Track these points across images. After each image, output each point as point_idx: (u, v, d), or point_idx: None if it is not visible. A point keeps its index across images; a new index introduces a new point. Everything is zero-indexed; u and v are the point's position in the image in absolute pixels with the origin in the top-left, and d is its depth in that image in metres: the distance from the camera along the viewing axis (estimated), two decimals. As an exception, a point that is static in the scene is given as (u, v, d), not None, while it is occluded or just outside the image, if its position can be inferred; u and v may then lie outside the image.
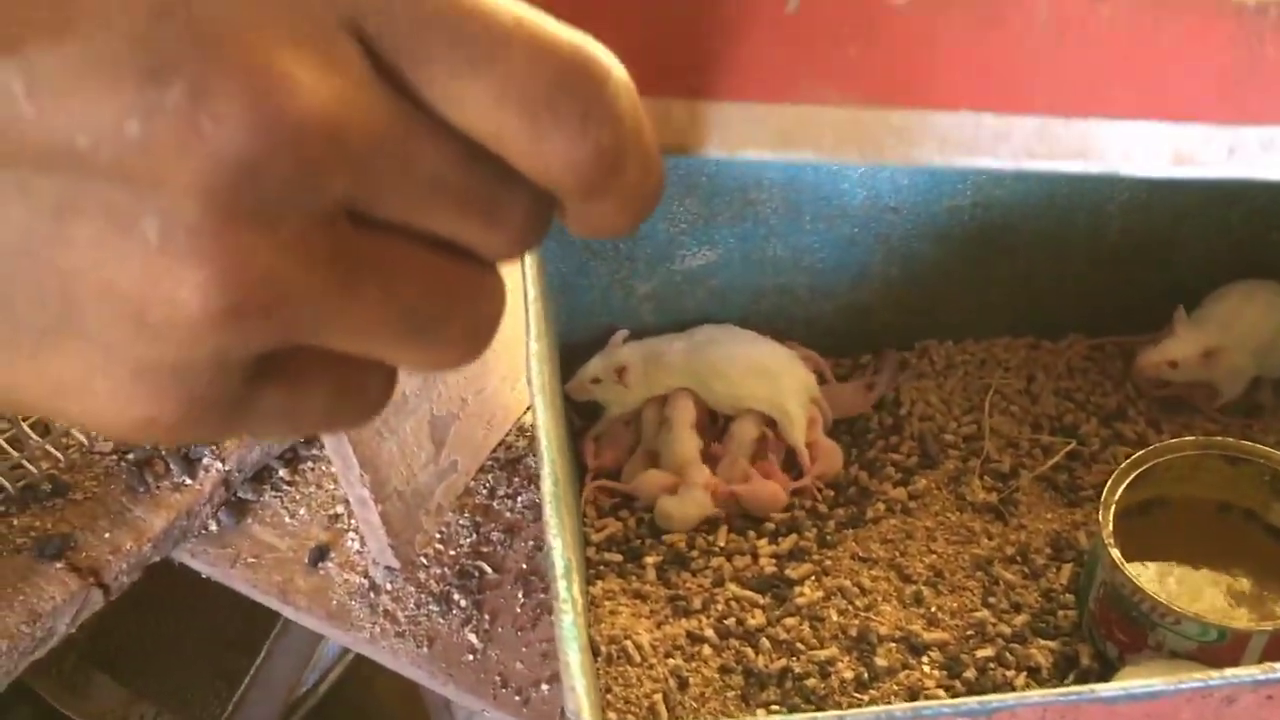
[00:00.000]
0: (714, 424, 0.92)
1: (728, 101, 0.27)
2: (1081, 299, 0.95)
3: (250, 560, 0.93)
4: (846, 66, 0.26)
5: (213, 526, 0.94)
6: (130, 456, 0.94)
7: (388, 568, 0.91)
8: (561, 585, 0.55)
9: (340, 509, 0.96)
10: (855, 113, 0.27)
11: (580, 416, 0.94)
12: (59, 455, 0.93)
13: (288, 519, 0.96)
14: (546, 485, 0.60)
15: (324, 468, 1.00)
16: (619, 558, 0.83)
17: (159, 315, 0.20)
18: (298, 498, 0.97)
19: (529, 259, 0.71)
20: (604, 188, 0.23)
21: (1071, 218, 0.90)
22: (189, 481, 0.93)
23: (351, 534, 0.94)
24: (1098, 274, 0.93)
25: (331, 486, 0.98)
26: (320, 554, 0.93)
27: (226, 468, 0.94)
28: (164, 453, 0.94)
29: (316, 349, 0.23)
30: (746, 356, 0.89)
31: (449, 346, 0.25)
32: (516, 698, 0.84)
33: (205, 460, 0.94)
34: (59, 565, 0.86)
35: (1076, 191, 0.88)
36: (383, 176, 0.22)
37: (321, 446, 1.01)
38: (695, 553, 0.83)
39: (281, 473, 0.99)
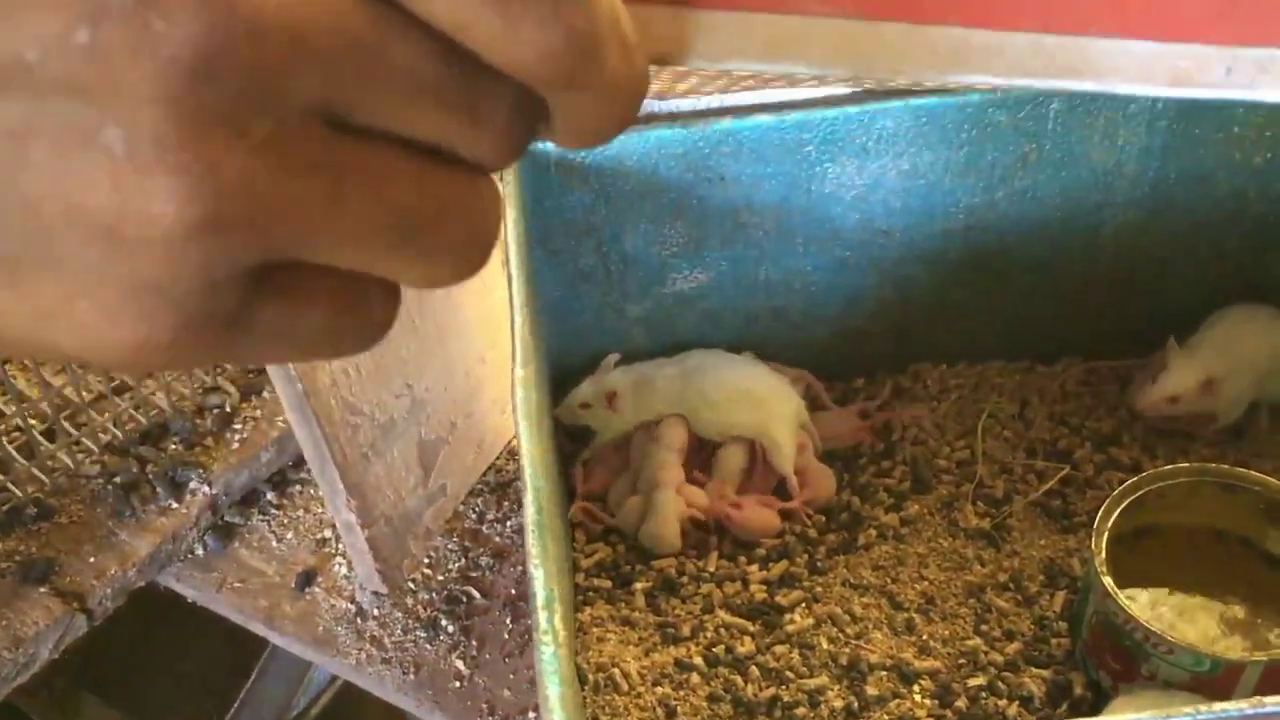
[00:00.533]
0: (702, 449, 0.91)
1: (714, 10, 0.26)
2: (1076, 322, 0.94)
3: (236, 585, 0.92)
4: (838, -23, 0.26)
5: (199, 551, 0.93)
6: (117, 479, 0.93)
7: (375, 593, 0.90)
8: (542, 616, 0.55)
9: (328, 533, 0.95)
10: (846, 24, 0.26)
11: (571, 440, 0.93)
12: (44, 479, 0.92)
13: (275, 543, 0.95)
14: (529, 513, 0.59)
15: (312, 491, 0.99)
16: (608, 583, 0.83)
17: (133, 231, 0.20)
18: (285, 521, 0.97)
19: (518, 283, 0.71)
20: (583, 78, 0.23)
21: (1066, 241, 0.89)
22: (175, 505, 0.92)
23: (339, 559, 0.93)
24: (1092, 297, 0.93)
25: (319, 510, 0.97)
26: (307, 579, 0.92)
27: (213, 491, 0.93)
28: (150, 476, 0.93)
29: (312, 265, 0.23)
30: (734, 383, 0.88)
31: (445, 255, 0.24)
32: (503, 726, 0.83)
33: (192, 484, 0.93)
34: (43, 590, 0.85)
35: (1070, 214, 0.88)
36: (355, 76, 0.21)
37: (310, 470, 1.00)
38: (685, 578, 0.82)
39: (269, 496, 0.98)
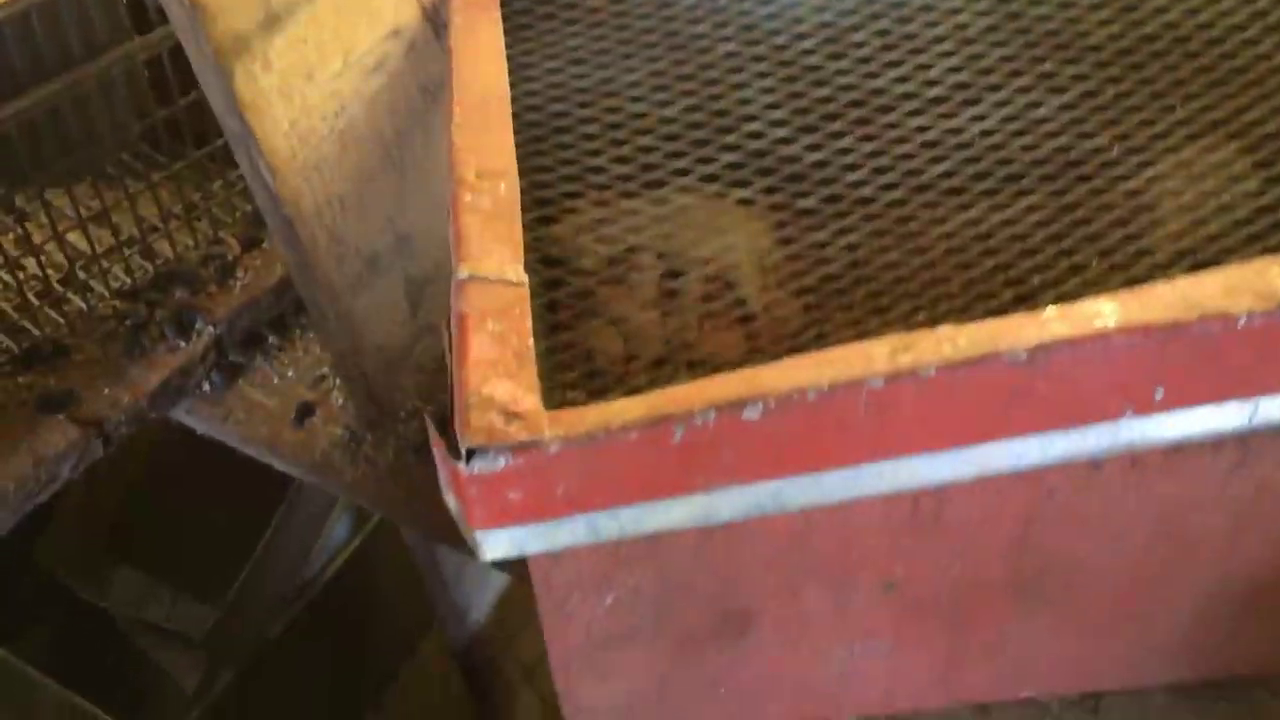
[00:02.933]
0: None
1: None
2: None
3: (241, 418, 0.99)
4: None
5: (206, 388, 1.00)
6: (128, 321, 0.99)
7: (369, 420, 0.97)
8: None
9: (326, 370, 1.02)
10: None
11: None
12: (61, 320, 0.99)
13: (276, 380, 1.02)
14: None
15: (309, 334, 1.05)
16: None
17: None
18: (286, 360, 1.03)
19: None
20: None
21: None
22: (183, 344, 0.98)
23: (336, 392, 1.00)
24: None
25: (318, 351, 1.04)
26: (306, 410, 0.98)
27: (217, 331, 1.00)
28: (159, 318, 0.99)
29: None
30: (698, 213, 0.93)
31: None
32: (487, 533, 0.90)
33: (198, 325, 0.99)
34: (61, 417, 0.92)
35: None
36: None
37: (308, 315, 1.07)
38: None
39: (271, 339, 1.04)
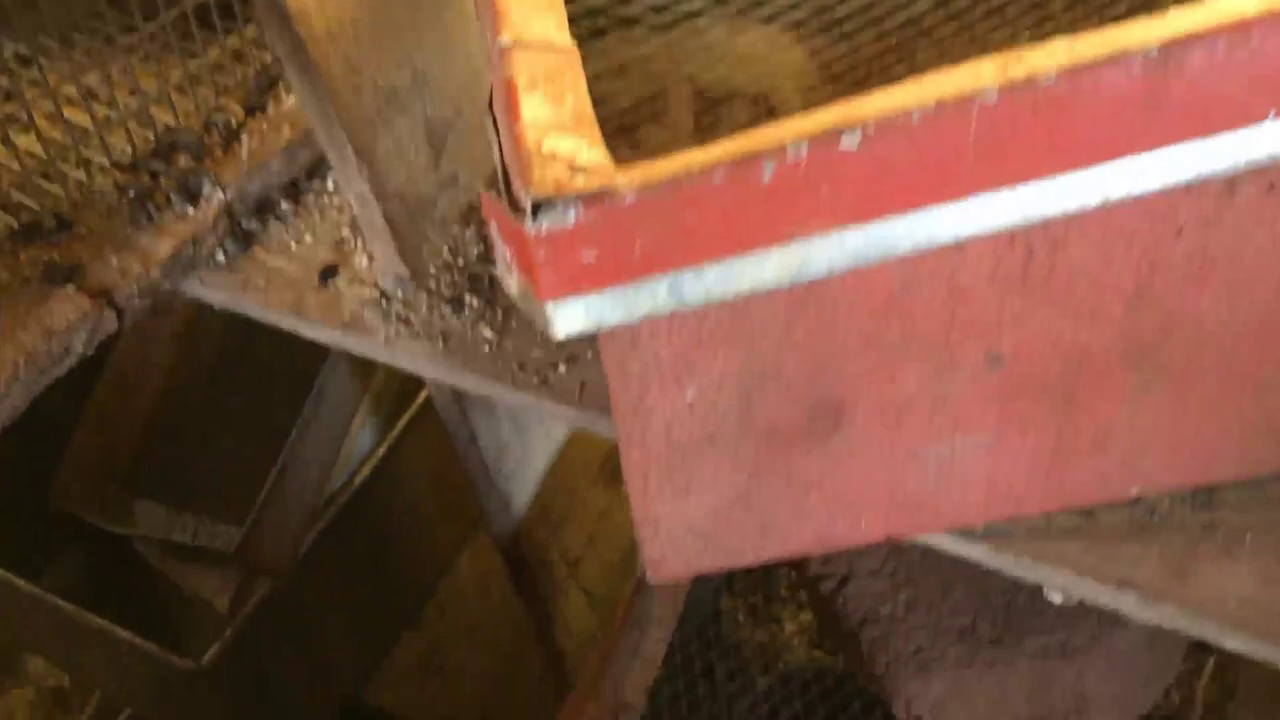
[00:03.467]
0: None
1: None
2: None
3: (260, 285, 0.92)
4: None
5: (220, 257, 0.94)
6: (131, 193, 0.93)
7: (397, 276, 0.91)
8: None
9: (346, 232, 0.96)
10: None
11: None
12: (61, 193, 0.92)
13: (294, 245, 0.95)
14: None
15: (326, 199, 0.99)
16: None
17: None
18: (302, 226, 0.97)
19: None
20: None
21: None
22: (191, 211, 0.92)
23: (359, 253, 0.94)
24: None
25: (335, 215, 0.98)
26: (330, 272, 0.92)
27: (228, 197, 0.93)
28: (163, 184, 0.93)
29: None
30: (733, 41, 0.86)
31: None
32: (535, 378, 0.84)
33: (205, 191, 0.93)
34: (70, 288, 0.86)
35: None
36: None
37: (321, 178, 1.00)
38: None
39: (284, 205, 0.98)
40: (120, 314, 0.87)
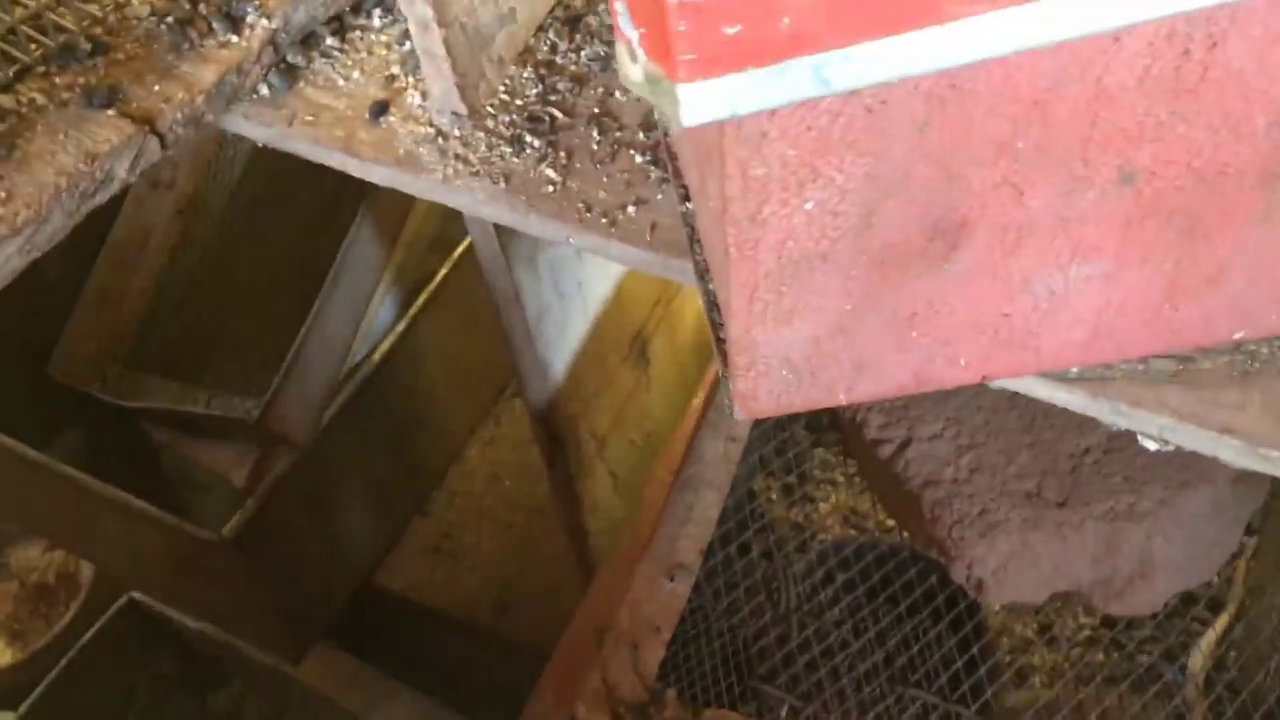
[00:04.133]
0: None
1: None
2: None
3: (308, 119, 0.88)
4: None
5: (264, 90, 0.89)
6: (170, 19, 0.88)
7: (454, 114, 0.86)
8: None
9: (396, 70, 0.91)
10: None
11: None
12: (97, 12, 0.87)
13: (341, 82, 0.91)
14: None
15: (373, 36, 0.94)
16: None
17: None
18: (349, 63, 0.92)
19: None
20: None
21: None
22: (235, 39, 0.87)
23: (412, 91, 0.89)
24: None
25: (383, 52, 0.93)
26: (381, 109, 0.88)
27: (273, 25, 0.88)
28: (205, 11, 0.88)
29: None
30: None
31: None
32: (603, 219, 0.80)
33: (249, 18, 0.88)
34: (110, 113, 0.81)
35: None
36: None
37: (367, 14, 0.95)
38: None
39: (329, 40, 0.93)
40: (163, 140, 0.82)
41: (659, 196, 0.82)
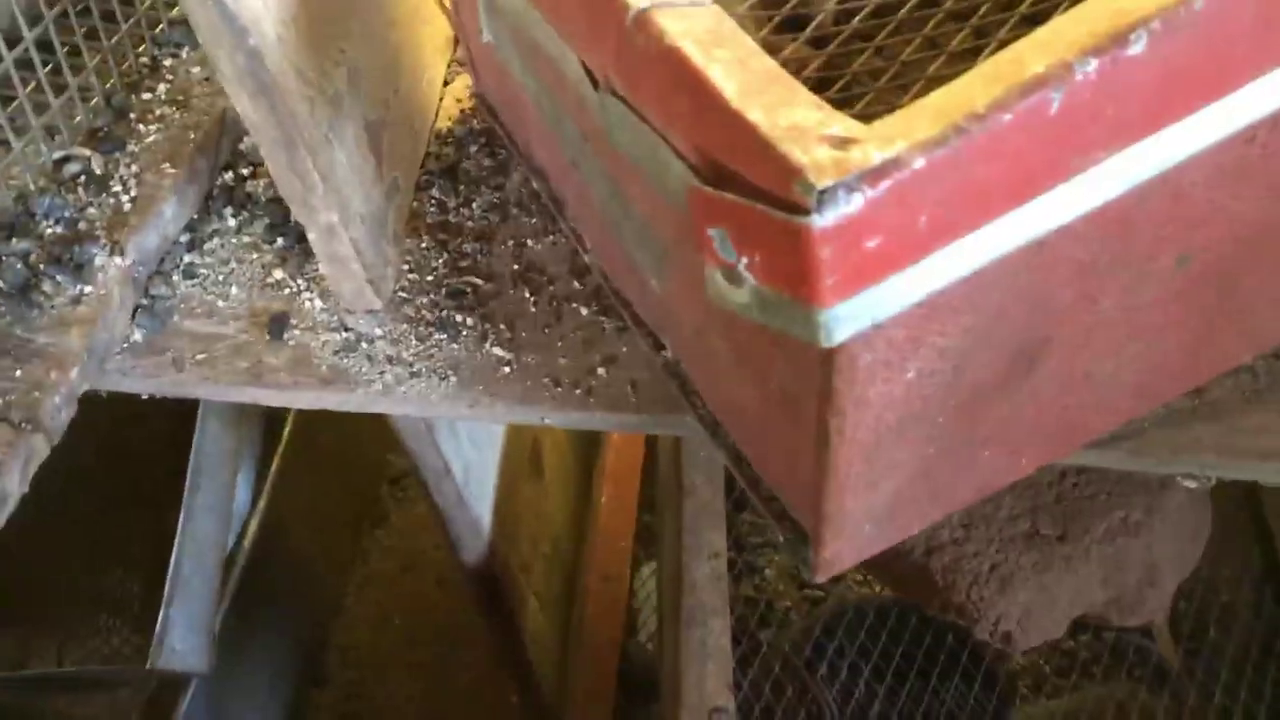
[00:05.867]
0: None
1: None
2: None
3: (200, 358, 0.76)
4: None
5: (136, 336, 0.77)
6: (1, 286, 0.74)
7: (368, 312, 0.77)
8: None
9: (278, 273, 0.80)
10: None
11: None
12: (-90, 302, 0.72)
13: (220, 303, 0.79)
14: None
15: (233, 240, 0.83)
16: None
17: None
18: (219, 278, 0.81)
19: None
20: None
21: None
22: (87, 289, 0.75)
23: (307, 294, 0.79)
24: None
25: (253, 255, 0.82)
26: (279, 323, 0.77)
27: (126, 261, 0.76)
28: (40, 265, 0.75)
29: None
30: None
31: None
32: (576, 390, 0.74)
33: (97, 260, 0.75)
34: (-20, 421, 0.68)
35: None
36: None
37: (219, 215, 0.84)
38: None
39: (187, 257, 0.81)
40: (48, 435, 0.69)
41: (624, 349, 0.76)
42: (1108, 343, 0.60)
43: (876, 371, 0.51)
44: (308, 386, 0.75)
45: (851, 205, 0.40)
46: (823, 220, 0.40)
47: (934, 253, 0.44)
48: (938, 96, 0.42)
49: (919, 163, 0.41)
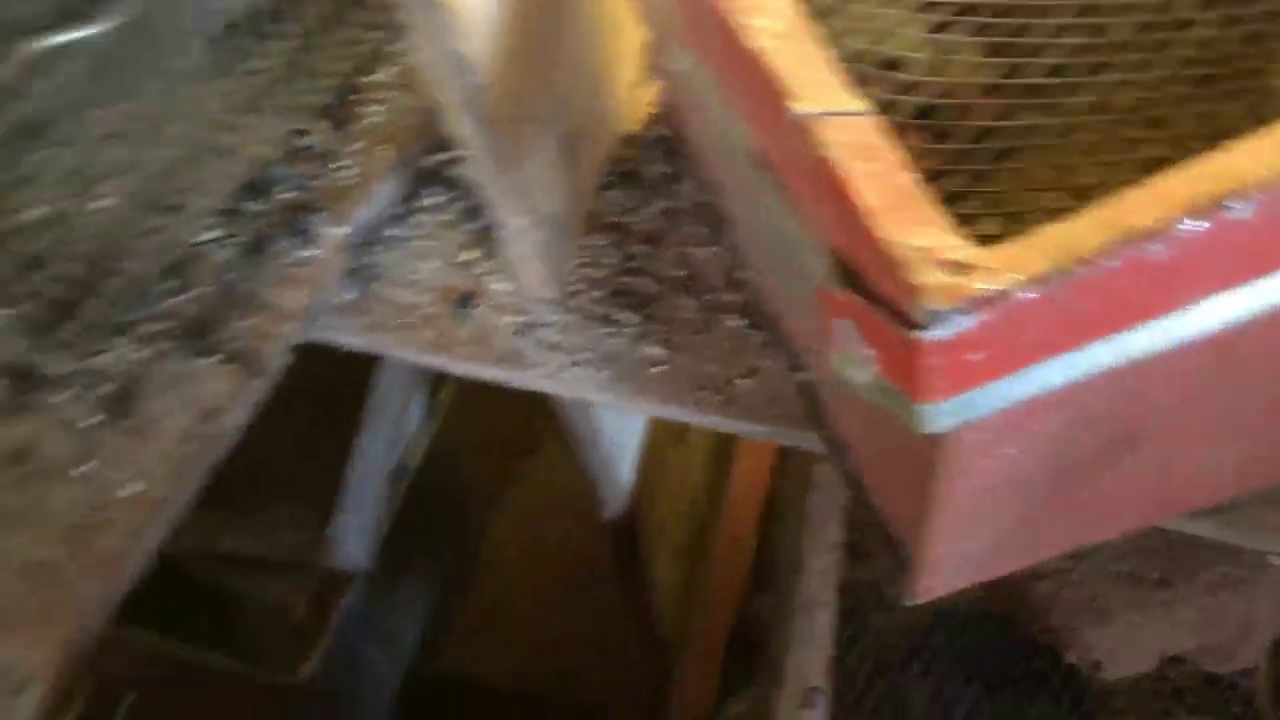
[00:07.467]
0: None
1: None
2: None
3: (397, 324, 0.87)
4: None
5: (344, 298, 0.88)
6: (240, 239, 0.86)
7: (544, 300, 0.87)
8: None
9: (468, 253, 0.90)
10: None
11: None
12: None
13: (416, 275, 0.90)
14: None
15: (431, 217, 0.93)
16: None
17: None
18: (420, 252, 0.91)
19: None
20: None
21: None
22: (311, 253, 0.86)
23: (490, 276, 0.89)
24: None
25: (449, 233, 0.92)
26: (466, 300, 0.87)
27: (343, 231, 0.87)
28: (269, 230, 0.86)
29: None
30: None
31: None
32: (718, 396, 0.82)
33: (321, 228, 0.87)
34: (211, 360, 0.80)
35: None
36: None
37: (425, 197, 0.94)
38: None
39: (390, 230, 0.92)
40: (268, 379, 0.81)
41: (767, 363, 0.83)
42: (1207, 437, 0.65)
43: (979, 450, 0.58)
44: (484, 360, 0.85)
45: (960, 326, 0.47)
46: (932, 336, 0.47)
47: (1034, 365, 0.50)
48: (1052, 234, 0.48)
49: (1025, 295, 0.47)
